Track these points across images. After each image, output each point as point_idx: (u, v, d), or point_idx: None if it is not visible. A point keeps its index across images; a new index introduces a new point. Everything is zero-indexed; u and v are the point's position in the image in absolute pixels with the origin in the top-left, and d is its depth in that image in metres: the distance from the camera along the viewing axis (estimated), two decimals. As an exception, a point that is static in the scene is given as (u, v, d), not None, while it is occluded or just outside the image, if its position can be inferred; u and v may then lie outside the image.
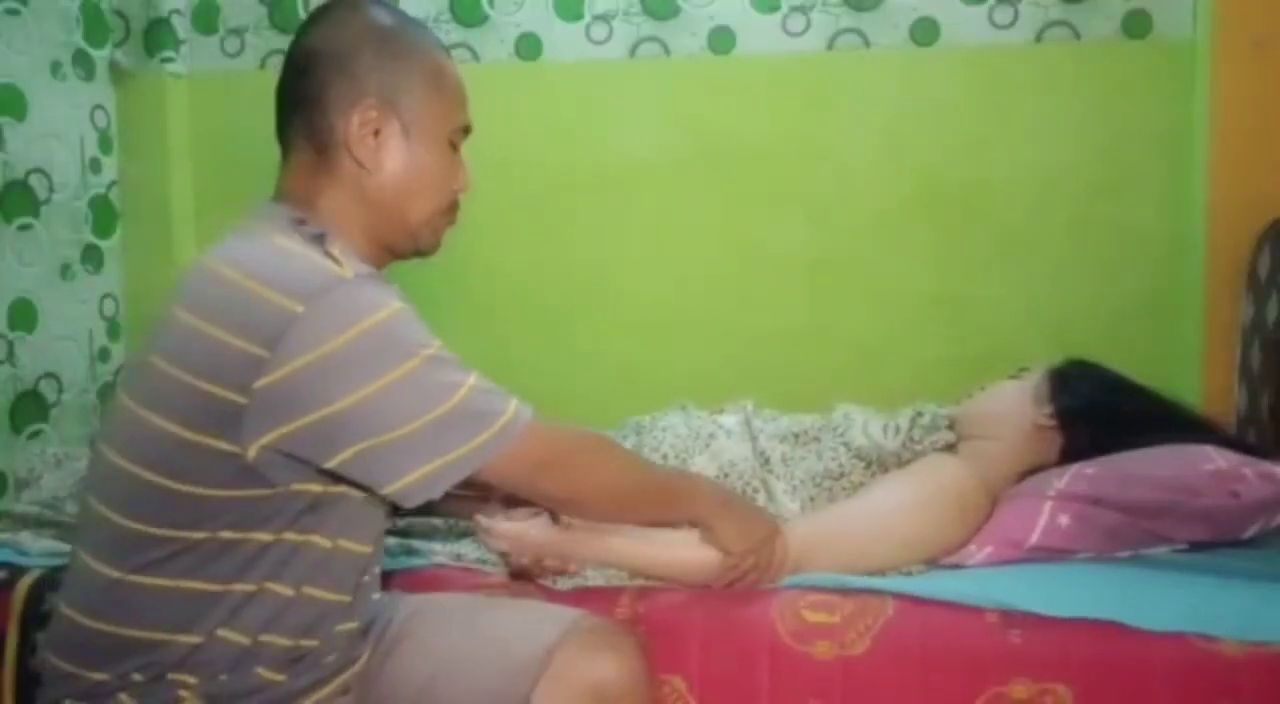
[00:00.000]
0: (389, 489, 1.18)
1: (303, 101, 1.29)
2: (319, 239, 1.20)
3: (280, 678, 1.21)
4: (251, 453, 1.14)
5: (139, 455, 1.18)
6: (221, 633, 1.18)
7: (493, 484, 1.29)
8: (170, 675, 1.18)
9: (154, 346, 1.20)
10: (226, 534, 1.17)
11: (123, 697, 1.18)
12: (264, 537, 1.18)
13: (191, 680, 1.18)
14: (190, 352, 1.16)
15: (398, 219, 1.30)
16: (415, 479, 1.17)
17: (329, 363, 1.13)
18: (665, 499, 1.40)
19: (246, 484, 1.16)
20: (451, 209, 1.36)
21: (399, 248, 1.34)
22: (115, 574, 1.19)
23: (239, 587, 1.18)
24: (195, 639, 1.18)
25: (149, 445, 1.17)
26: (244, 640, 1.19)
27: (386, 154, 1.28)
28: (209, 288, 1.19)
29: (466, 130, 1.36)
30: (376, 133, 1.27)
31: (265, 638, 1.20)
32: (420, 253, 1.36)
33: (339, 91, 1.27)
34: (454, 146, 1.34)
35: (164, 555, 1.17)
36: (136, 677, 1.18)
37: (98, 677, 1.19)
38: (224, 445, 1.14)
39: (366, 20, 1.30)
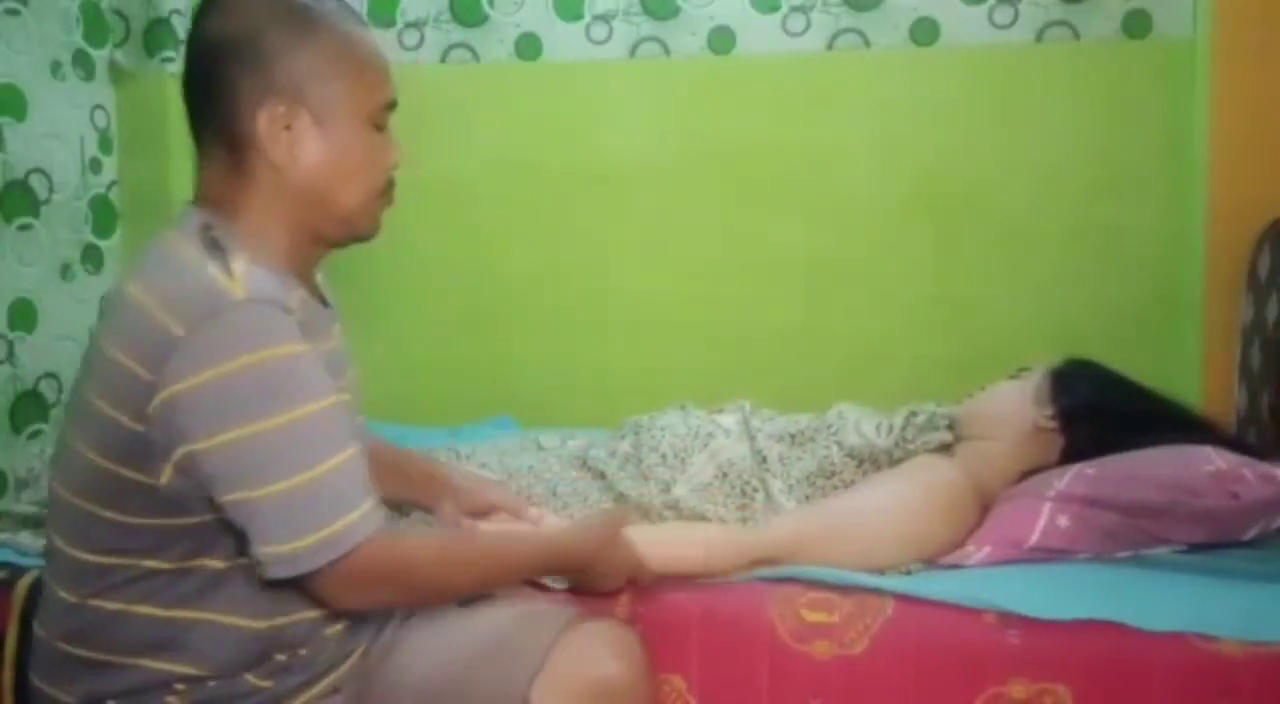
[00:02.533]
0: (257, 553, 1.11)
1: (207, 99, 1.22)
2: (219, 250, 1.14)
3: (267, 684, 1.22)
4: (163, 481, 1.12)
5: (76, 486, 1.18)
6: (191, 657, 1.18)
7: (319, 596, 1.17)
8: (154, 691, 1.19)
9: (82, 375, 1.21)
10: (169, 564, 1.16)
11: None
12: (215, 563, 1.17)
13: (179, 687, 1.19)
14: (102, 378, 1.15)
15: (326, 211, 1.24)
16: (284, 552, 1.11)
17: (203, 394, 1.08)
18: (516, 579, 1.35)
19: (171, 514, 1.14)
20: (386, 190, 1.29)
21: (334, 238, 1.28)
22: (74, 599, 1.20)
23: (202, 615, 1.17)
24: (165, 665, 1.18)
25: (83, 476, 1.17)
26: (217, 658, 1.19)
27: (302, 149, 1.21)
28: (116, 308, 1.17)
29: (390, 106, 1.27)
30: (288, 127, 1.20)
31: (242, 657, 1.20)
32: (359, 239, 1.30)
33: (242, 87, 1.19)
34: (378, 126, 1.26)
35: (117, 582, 1.17)
36: (112, 701, 1.19)
37: (72, 700, 1.20)
38: (138, 476, 1.13)
39: (263, 6, 1.21)
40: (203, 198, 1.24)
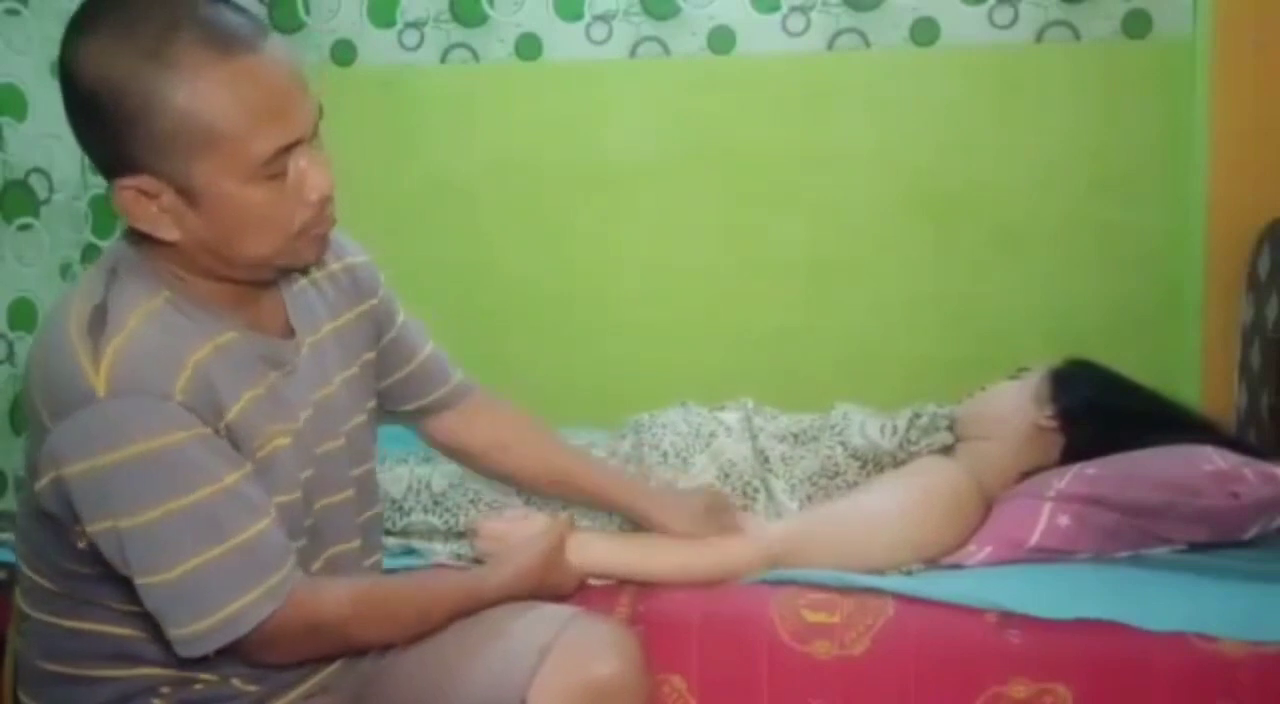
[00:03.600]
0: (166, 633, 1.09)
1: (81, 146, 1.09)
2: (98, 322, 1.06)
3: (253, 688, 1.22)
4: (81, 544, 1.10)
5: (25, 517, 1.18)
6: (160, 664, 1.17)
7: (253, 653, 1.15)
8: (137, 698, 1.19)
9: None
10: (116, 594, 1.13)
11: None
12: None
13: (165, 690, 1.19)
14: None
15: (233, 263, 1.12)
16: (185, 635, 1.09)
17: (77, 483, 1.05)
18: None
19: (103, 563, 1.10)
20: (309, 226, 1.12)
21: (260, 277, 1.17)
22: (37, 615, 1.20)
23: (157, 631, 1.14)
24: (138, 671, 1.18)
25: (26, 510, 1.16)
26: (187, 663, 1.17)
27: (177, 220, 1.08)
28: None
29: (293, 145, 1.08)
30: (155, 198, 1.06)
31: (230, 669, 1.19)
32: (294, 270, 1.21)
33: (96, 153, 1.08)
34: (272, 176, 1.07)
35: (70, 604, 1.17)
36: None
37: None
38: (68, 533, 1.10)
39: (108, 51, 1.02)
40: (128, 229, 1.14)
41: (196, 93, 1.03)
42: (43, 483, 1.08)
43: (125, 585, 1.10)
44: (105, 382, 1.03)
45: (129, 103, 1.02)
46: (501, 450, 1.54)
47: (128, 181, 1.06)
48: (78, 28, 1.06)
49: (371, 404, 1.37)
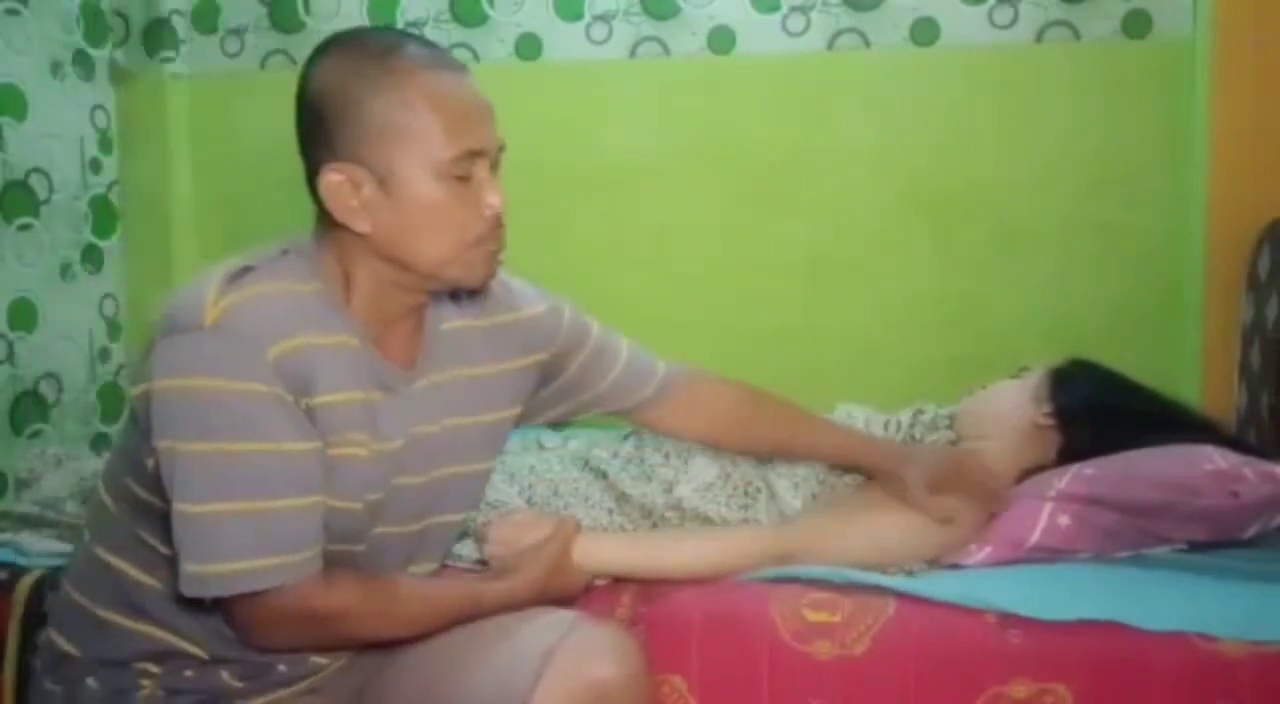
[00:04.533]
0: (179, 566, 1.14)
1: (302, 150, 1.23)
2: (243, 273, 1.16)
3: (240, 685, 1.23)
4: (150, 463, 1.16)
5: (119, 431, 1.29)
6: (156, 625, 1.21)
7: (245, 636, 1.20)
8: (135, 664, 1.22)
9: None
10: (151, 534, 1.20)
11: (90, 681, 1.22)
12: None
13: (154, 669, 1.21)
14: None
15: (407, 267, 1.22)
16: (194, 572, 1.13)
17: (157, 400, 1.13)
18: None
19: (159, 493, 1.17)
20: (483, 239, 1.24)
21: (424, 287, 1.26)
22: (85, 540, 1.28)
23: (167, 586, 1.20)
24: (138, 626, 1.22)
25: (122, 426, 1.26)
26: (198, 652, 1.21)
27: (370, 213, 1.19)
28: None
29: (478, 153, 1.21)
30: (357, 188, 1.18)
31: (222, 651, 1.21)
32: (459, 287, 1.28)
33: (310, 147, 1.21)
34: (460, 177, 1.20)
35: (111, 531, 1.24)
36: (91, 679, 1.23)
37: (71, 649, 1.25)
38: (142, 449, 1.17)
39: (337, 62, 1.20)
40: (316, 226, 1.25)
41: (408, 91, 1.17)
42: (138, 390, 1.16)
43: (167, 525, 1.14)
44: (215, 316, 1.12)
45: (351, 95, 1.17)
46: (719, 436, 1.63)
47: (336, 166, 1.18)
48: (320, 49, 1.23)
49: (481, 465, 1.38)
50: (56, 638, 1.27)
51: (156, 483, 1.15)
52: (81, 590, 1.26)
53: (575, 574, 1.44)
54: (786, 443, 1.62)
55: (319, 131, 1.19)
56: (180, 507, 1.12)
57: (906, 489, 1.53)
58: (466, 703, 1.23)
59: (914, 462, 1.55)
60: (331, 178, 1.18)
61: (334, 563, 1.20)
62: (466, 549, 1.59)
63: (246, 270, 1.16)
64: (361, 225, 1.19)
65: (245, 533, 1.12)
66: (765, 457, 1.65)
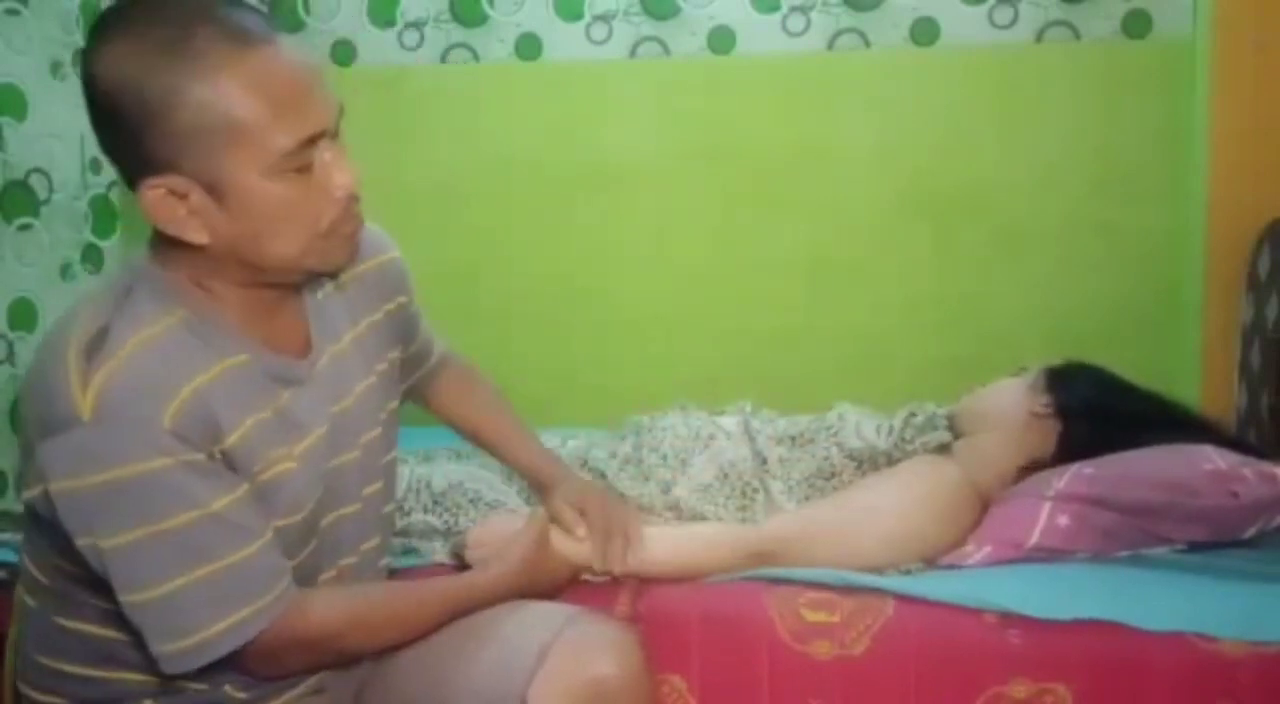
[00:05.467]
0: (156, 651, 1.09)
1: (104, 152, 1.09)
2: (99, 342, 1.05)
3: (243, 695, 1.22)
4: (79, 543, 1.09)
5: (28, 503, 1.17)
6: (140, 669, 1.17)
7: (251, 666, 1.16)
8: (129, 702, 1.19)
9: None
10: (98, 595, 1.13)
11: None
12: None
13: (155, 695, 1.19)
14: None
15: (262, 265, 1.12)
16: (167, 651, 1.09)
17: (62, 501, 1.05)
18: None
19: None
20: (337, 224, 1.12)
21: (288, 279, 1.16)
22: (34, 606, 1.21)
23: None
24: (123, 675, 1.18)
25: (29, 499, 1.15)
26: (192, 684, 1.19)
27: (204, 221, 1.07)
28: None
29: (315, 138, 1.08)
30: (183, 199, 1.06)
31: (216, 676, 1.19)
32: (323, 274, 1.20)
33: (120, 159, 1.07)
34: (300, 169, 1.07)
35: (59, 600, 1.17)
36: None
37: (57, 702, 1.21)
38: (62, 538, 1.09)
39: (127, 53, 1.03)
40: (152, 242, 1.14)
41: (218, 84, 1.03)
42: (34, 492, 1.09)
43: (110, 590, 1.09)
44: (91, 406, 1.02)
45: (151, 99, 1.02)
46: (456, 425, 1.61)
47: (155, 181, 1.05)
48: (95, 37, 1.06)
49: (391, 407, 1.36)
50: (38, 695, 1.21)
51: (85, 561, 1.08)
52: (53, 655, 1.20)
53: (556, 561, 1.44)
54: (494, 448, 1.61)
55: (124, 141, 1.05)
56: (129, 597, 1.06)
57: (550, 502, 1.53)
58: (463, 698, 1.23)
59: (565, 481, 1.55)
60: (150, 195, 1.05)
61: (295, 570, 1.17)
62: (444, 554, 1.60)
63: (101, 336, 1.05)
64: (197, 236, 1.08)
65: (205, 599, 1.08)
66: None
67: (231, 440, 1.10)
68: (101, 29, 1.06)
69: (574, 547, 1.48)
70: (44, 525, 1.11)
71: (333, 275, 1.23)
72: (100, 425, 1.03)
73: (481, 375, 1.63)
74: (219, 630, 1.09)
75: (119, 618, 1.11)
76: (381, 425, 1.33)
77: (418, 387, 1.55)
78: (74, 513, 1.05)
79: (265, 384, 1.15)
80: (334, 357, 1.25)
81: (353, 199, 1.12)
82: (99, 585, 1.10)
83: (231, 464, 1.11)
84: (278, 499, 1.15)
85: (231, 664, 1.14)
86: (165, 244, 1.12)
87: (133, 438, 1.04)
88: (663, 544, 1.52)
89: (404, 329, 1.40)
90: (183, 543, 1.06)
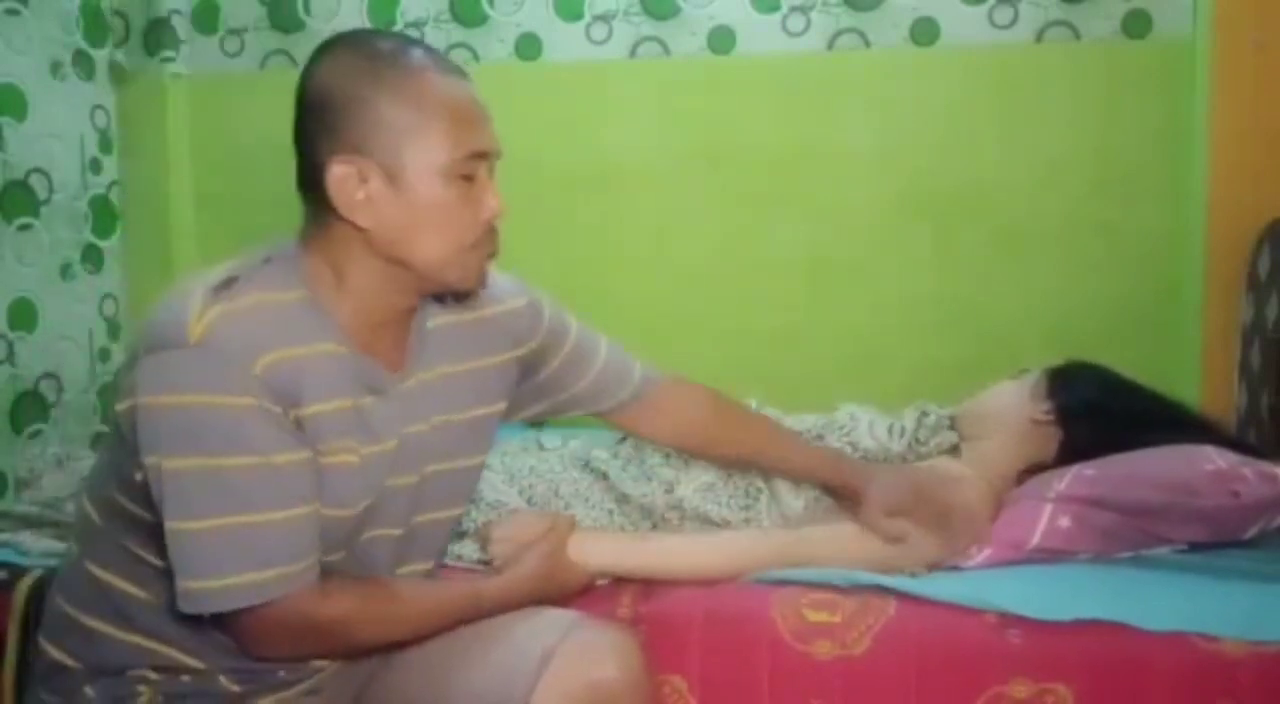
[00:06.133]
0: (176, 584, 1.13)
1: (296, 147, 1.22)
2: (226, 285, 1.15)
3: (238, 688, 1.23)
4: (138, 477, 1.15)
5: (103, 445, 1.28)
6: (164, 646, 1.21)
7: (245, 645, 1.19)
8: (131, 673, 1.21)
9: None
10: (140, 546, 1.20)
11: (87, 690, 1.22)
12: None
13: (153, 677, 1.21)
14: None
15: (404, 264, 1.21)
16: (192, 588, 1.12)
17: (143, 416, 1.12)
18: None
19: (148, 507, 1.16)
20: (480, 242, 1.24)
21: (419, 288, 1.25)
22: (75, 553, 1.27)
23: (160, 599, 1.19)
24: (132, 638, 1.21)
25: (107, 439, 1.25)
26: (195, 662, 1.21)
27: (375, 207, 1.18)
28: None
29: (482, 155, 1.22)
30: (364, 181, 1.17)
31: (219, 660, 1.21)
32: (451, 290, 1.28)
33: (317, 143, 1.19)
34: (466, 178, 1.20)
35: (102, 546, 1.23)
36: (89, 687, 1.22)
37: (66, 660, 1.24)
38: (129, 464, 1.16)
39: (346, 59, 1.20)
40: (300, 231, 1.24)
41: (419, 91, 1.18)
42: (124, 405, 1.15)
43: (157, 537, 1.14)
44: (200, 332, 1.10)
45: (362, 92, 1.17)
46: (690, 444, 1.62)
47: (345, 158, 1.16)
48: (322, 49, 1.22)
49: (471, 461, 1.37)
50: (50, 648, 1.26)
51: (145, 497, 1.14)
52: (72, 602, 1.25)
53: (573, 570, 1.44)
54: (754, 456, 1.61)
55: (325, 125, 1.18)
56: (172, 524, 1.12)
57: (861, 507, 1.53)
58: (466, 702, 1.23)
59: (874, 481, 1.55)
60: (339, 169, 1.17)
61: (323, 569, 1.19)
62: (468, 550, 1.59)
63: (230, 282, 1.15)
64: (365, 220, 1.18)
65: (239, 547, 1.12)
66: (734, 467, 1.65)
67: (307, 411, 1.16)
68: (333, 42, 1.22)
69: (597, 555, 1.48)
70: (120, 449, 1.17)
71: (459, 298, 1.31)
72: (202, 351, 1.10)
73: (707, 389, 1.62)
74: (240, 583, 1.12)
75: (153, 575, 1.18)
76: (455, 467, 1.34)
77: (619, 415, 1.55)
78: (151, 429, 1.11)
79: (353, 381, 1.20)
80: (422, 382, 1.28)
81: (495, 225, 1.25)
82: (148, 530, 1.16)
83: (303, 431, 1.16)
84: (330, 488, 1.18)
85: (237, 639, 1.17)
86: (318, 229, 1.21)
87: (226, 371, 1.11)
88: (688, 556, 1.52)
89: (523, 373, 1.43)
90: (236, 485, 1.11)
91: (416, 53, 1.21)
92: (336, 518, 1.20)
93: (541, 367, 1.45)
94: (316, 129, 1.19)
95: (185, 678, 1.21)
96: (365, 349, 1.22)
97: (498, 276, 1.37)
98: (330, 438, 1.18)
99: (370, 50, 1.20)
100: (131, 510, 1.18)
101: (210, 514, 1.11)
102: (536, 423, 1.64)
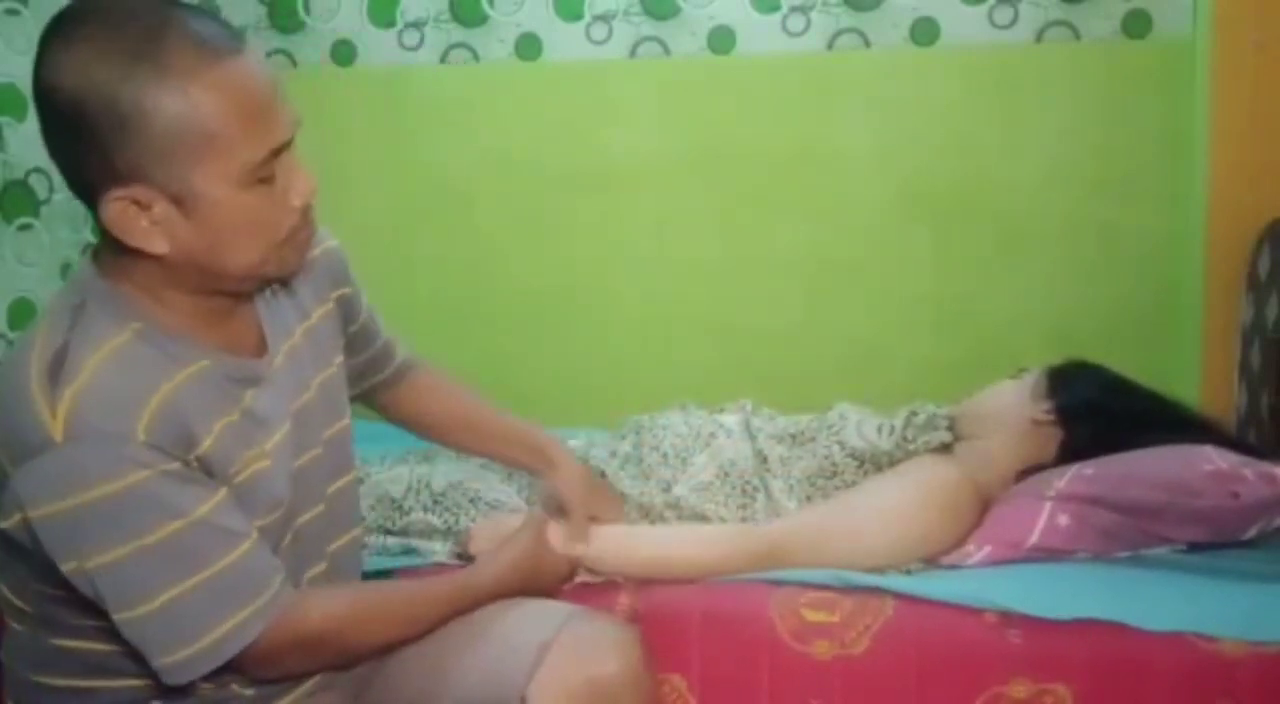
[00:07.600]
0: (158, 665, 1.09)
1: (55, 161, 1.07)
2: (59, 364, 1.03)
3: (251, 692, 1.22)
4: (58, 576, 1.08)
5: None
6: (144, 674, 1.15)
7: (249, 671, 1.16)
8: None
9: None
10: (88, 615, 1.12)
11: None
12: None
13: (163, 697, 1.18)
14: None
15: (222, 274, 1.11)
16: (168, 664, 1.08)
17: (46, 525, 1.04)
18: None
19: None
20: (296, 231, 1.13)
21: (242, 289, 1.16)
22: (21, 629, 1.19)
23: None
24: (126, 683, 1.17)
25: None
26: (204, 684, 1.17)
27: (166, 230, 1.06)
28: None
29: (281, 149, 1.08)
30: (146, 209, 1.05)
31: (221, 676, 1.18)
32: (275, 282, 1.20)
33: (81, 163, 1.04)
34: (262, 180, 1.07)
35: (44, 620, 1.16)
36: None
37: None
38: (43, 564, 1.08)
39: (92, 58, 1.01)
40: (97, 254, 1.14)
41: (191, 96, 1.02)
42: (12, 521, 1.07)
43: (100, 610, 1.08)
44: (63, 428, 1.01)
45: (121, 109, 1.01)
46: (430, 433, 1.60)
47: (119, 193, 1.04)
48: (53, 41, 1.04)
49: (346, 418, 1.35)
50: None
51: (71, 584, 1.07)
52: (45, 673, 1.18)
53: (554, 558, 1.44)
54: (474, 449, 1.63)
55: (88, 152, 1.03)
56: (123, 616, 1.06)
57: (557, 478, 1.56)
58: (463, 696, 1.23)
59: (571, 463, 1.58)
60: (113, 207, 1.04)
61: (308, 585, 1.18)
62: (444, 554, 1.60)
63: (59, 358, 1.04)
64: (158, 246, 1.07)
65: (202, 606, 1.08)
66: (443, 441, 1.65)
67: (205, 446, 1.10)
68: (57, 36, 1.04)
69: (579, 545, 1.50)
70: (23, 554, 1.10)
71: (285, 282, 1.23)
72: (74, 445, 1.02)
73: (456, 379, 1.62)
74: (220, 635, 1.09)
75: (113, 633, 1.10)
76: (346, 418, 1.33)
77: (381, 392, 1.54)
78: (56, 537, 1.04)
79: (228, 387, 1.15)
80: (289, 353, 1.24)
81: (310, 206, 1.14)
82: (87, 606, 1.10)
83: (208, 470, 1.10)
84: (256, 499, 1.15)
85: (237, 669, 1.14)
86: (114, 255, 1.11)
87: (108, 454, 1.03)
88: (662, 550, 1.52)
89: (345, 318, 1.39)
90: (171, 554, 1.06)
91: (174, 38, 1.02)
92: (273, 522, 1.17)
93: (353, 319, 1.41)
94: (76, 154, 1.04)
95: (197, 694, 1.18)
96: (223, 346, 1.16)
97: None
98: (235, 456, 1.12)
99: (119, 47, 1.01)
100: (68, 596, 1.10)
101: (160, 590, 1.06)
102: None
